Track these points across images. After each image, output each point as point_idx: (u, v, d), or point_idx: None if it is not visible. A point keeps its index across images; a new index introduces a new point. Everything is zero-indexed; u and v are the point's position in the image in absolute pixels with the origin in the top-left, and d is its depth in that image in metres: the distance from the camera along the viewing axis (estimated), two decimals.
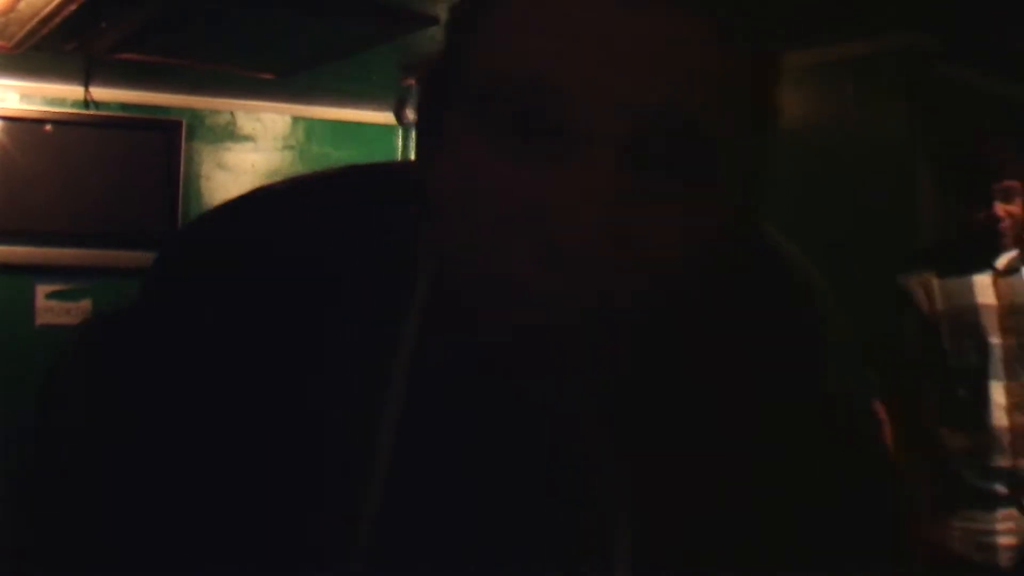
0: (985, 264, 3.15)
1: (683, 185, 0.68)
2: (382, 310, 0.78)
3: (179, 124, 5.66)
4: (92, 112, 5.43)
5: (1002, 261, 3.14)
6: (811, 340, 0.88)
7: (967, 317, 3.12)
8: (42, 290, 5.41)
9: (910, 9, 3.76)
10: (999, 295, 3.14)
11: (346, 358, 0.77)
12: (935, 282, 3.17)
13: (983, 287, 3.14)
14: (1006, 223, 3.08)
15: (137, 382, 0.79)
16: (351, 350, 0.77)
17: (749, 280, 0.84)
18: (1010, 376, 3.06)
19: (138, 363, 0.80)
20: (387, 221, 0.80)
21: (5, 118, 5.30)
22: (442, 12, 3.95)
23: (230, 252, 0.81)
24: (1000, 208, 3.06)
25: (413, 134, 6.64)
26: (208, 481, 0.75)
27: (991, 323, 3.11)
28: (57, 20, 3.96)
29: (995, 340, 3.09)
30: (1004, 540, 3.05)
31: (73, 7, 3.78)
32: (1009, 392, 3.04)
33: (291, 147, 6.07)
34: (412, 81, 5.04)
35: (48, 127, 5.33)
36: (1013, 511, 3.04)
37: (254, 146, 5.99)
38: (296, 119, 6.07)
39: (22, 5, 3.81)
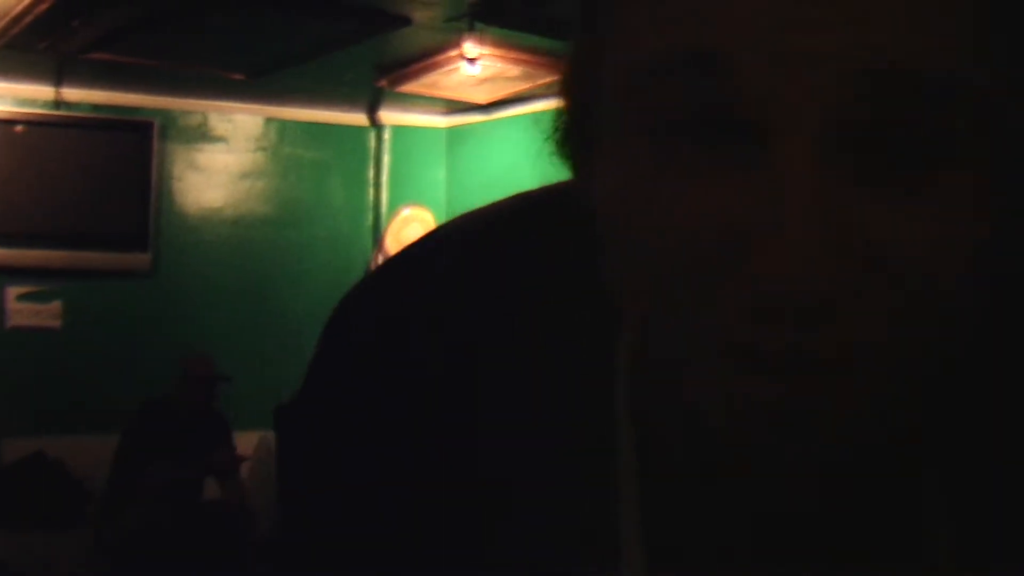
0: None
1: (927, 165, 0.50)
2: (587, 385, 0.65)
3: (151, 125, 5.63)
4: (63, 112, 5.41)
5: None
6: None
7: None
8: (13, 292, 5.38)
9: None
10: None
11: (558, 448, 0.64)
12: None
13: None
14: None
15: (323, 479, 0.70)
16: (562, 436, 0.64)
17: None
18: None
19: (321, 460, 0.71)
20: (574, 270, 0.65)
21: None
22: (414, 13, 3.95)
23: (405, 338, 0.68)
24: None
25: (385, 135, 6.60)
26: None
27: None
28: (28, 19, 3.94)
29: None
30: None
31: (44, 6, 3.76)
32: None
33: (264, 148, 6.06)
34: (384, 82, 5.04)
35: (19, 127, 5.30)
36: None
37: (227, 147, 5.97)
38: (269, 120, 6.06)
39: None
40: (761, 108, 0.49)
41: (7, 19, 3.98)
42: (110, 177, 5.51)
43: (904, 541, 0.62)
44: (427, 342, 0.67)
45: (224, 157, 5.96)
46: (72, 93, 5.39)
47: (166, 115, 5.76)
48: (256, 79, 5.08)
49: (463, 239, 0.71)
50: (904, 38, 0.48)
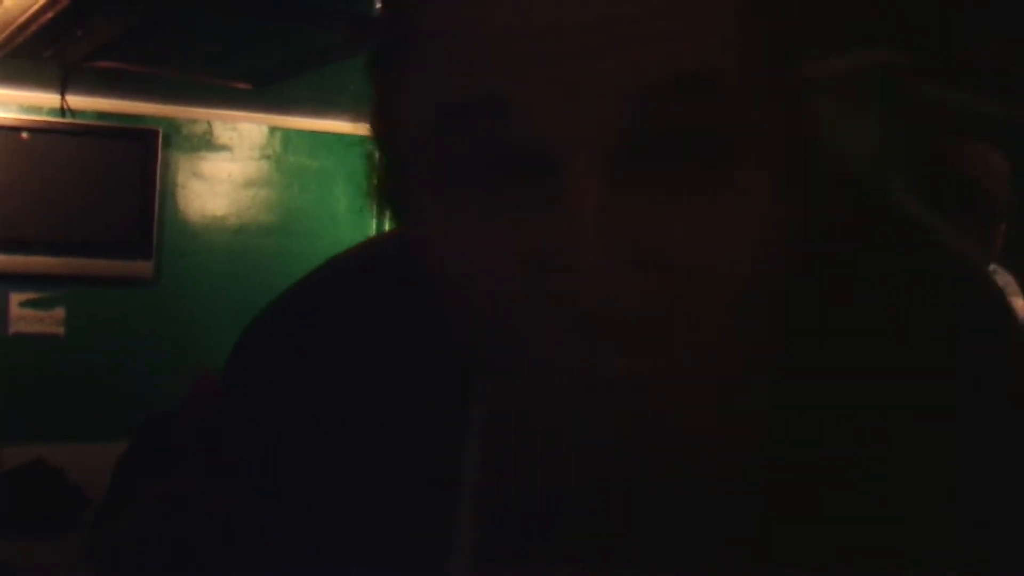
0: None
1: (705, 166, 0.52)
2: (445, 396, 0.68)
3: (156, 133, 5.64)
4: (68, 120, 5.41)
5: None
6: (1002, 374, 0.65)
7: None
8: (16, 298, 5.38)
9: (886, 26, 3.79)
10: None
11: (416, 454, 0.68)
12: None
13: None
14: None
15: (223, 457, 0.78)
16: (419, 445, 0.68)
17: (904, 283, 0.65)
18: None
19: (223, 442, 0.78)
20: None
21: None
22: None
23: (294, 354, 0.73)
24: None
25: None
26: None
27: None
28: (34, 28, 3.95)
29: None
30: None
31: (50, 15, 3.77)
32: None
33: (268, 157, 6.06)
34: None
35: (24, 135, 5.31)
36: None
37: (231, 155, 5.98)
38: (273, 129, 6.06)
39: None
40: (545, 141, 0.50)
41: (12, 27, 3.99)
42: (114, 184, 5.51)
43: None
44: (301, 377, 0.72)
45: (228, 166, 5.97)
46: (77, 101, 5.39)
47: (170, 123, 5.77)
48: (261, 88, 5.09)
49: (339, 283, 0.76)
50: (669, 52, 0.50)
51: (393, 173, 0.62)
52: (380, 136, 0.64)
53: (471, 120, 0.52)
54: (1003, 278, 2.85)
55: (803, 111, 0.59)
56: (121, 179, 5.54)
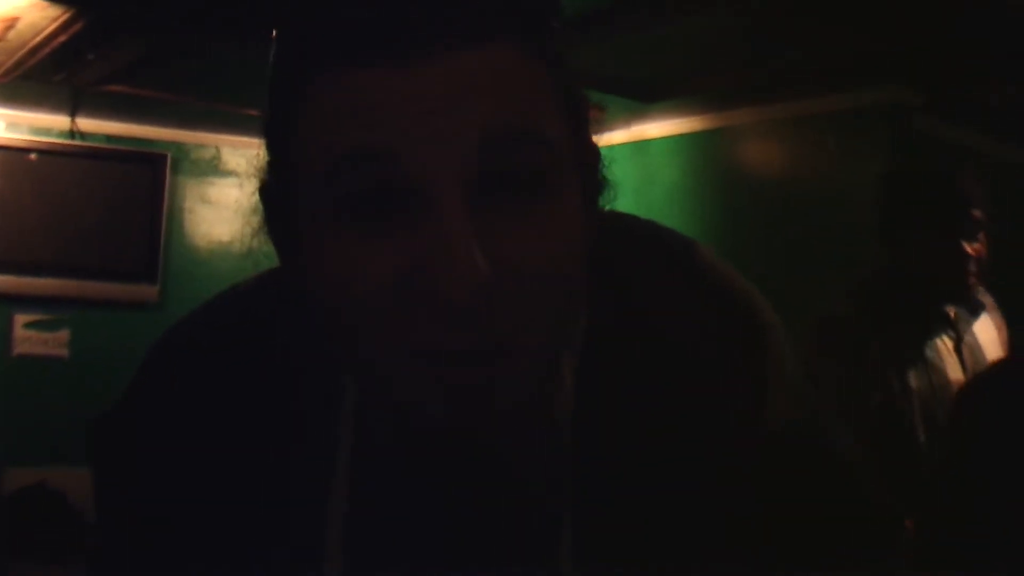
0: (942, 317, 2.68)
1: (531, 196, 0.70)
2: (319, 414, 0.84)
3: (164, 157, 5.66)
4: (78, 143, 5.43)
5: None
6: (748, 372, 0.86)
7: (942, 399, 2.53)
8: (21, 320, 5.39)
9: (892, 63, 3.81)
10: (967, 365, 2.65)
11: (292, 466, 0.83)
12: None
13: (949, 355, 2.65)
14: (973, 263, 2.60)
15: (126, 481, 0.89)
16: (297, 457, 0.83)
17: (676, 306, 0.87)
18: None
19: (123, 467, 0.90)
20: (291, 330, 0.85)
21: None
22: None
23: (188, 375, 0.88)
24: (968, 247, 2.60)
25: None
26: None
27: None
28: (46, 51, 3.98)
29: None
30: None
31: (62, 39, 3.80)
32: None
33: None
34: None
35: (33, 156, 5.33)
36: None
37: (238, 181, 5.99)
38: None
39: (11, 35, 3.82)
40: (419, 177, 0.67)
41: (24, 51, 4.02)
42: (121, 208, 5.53)
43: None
44: (214, 377, 0.86)
45: (235, 191, 5.98)
46: (87, 124, 5.42)
47: (179, 148, 5.79)
48: None
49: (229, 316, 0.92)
50: (505, 113, 0.69)
51: (281, 214, 0.79)
52: (272, 183, 0.80)
53: (357, 165, 0.69)
54: (984, 298, 2.78)
55: (591, 158, 0.80)
56: (129, 203, 5.55)
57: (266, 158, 0.80)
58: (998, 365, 2.14)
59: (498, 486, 0.83)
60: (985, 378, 1.95)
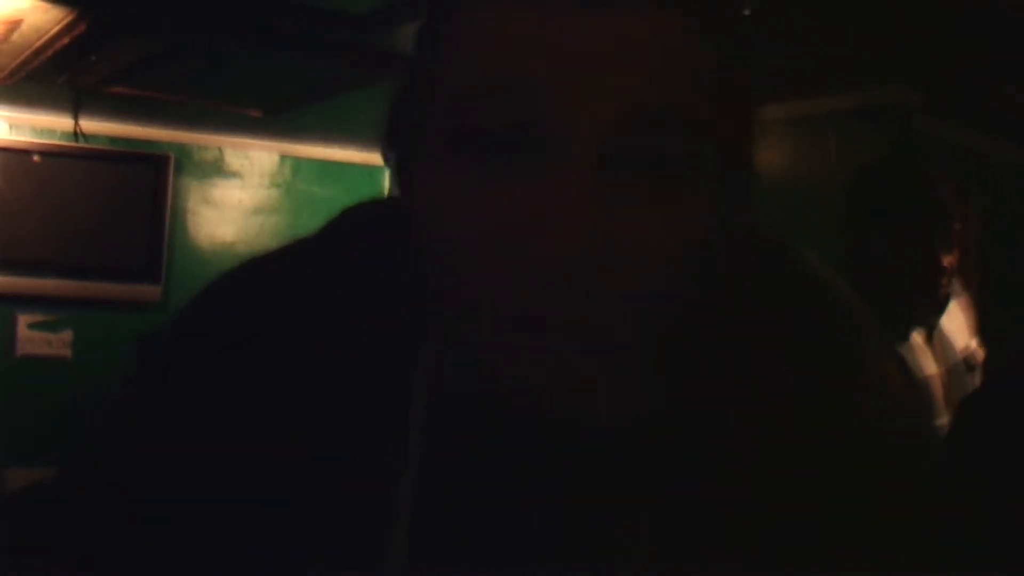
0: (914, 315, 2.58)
1: (668, 180, 0.66)
2: (391, 355, 0.77)
3: (167, 158, 5.67)
4: (81, 144, 5.44)
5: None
6: (837, 362, 0.80)
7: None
8: (24, 320, 5.40)
9: (892, 63, 3.81)
10: (938, 358, 2.59)
11: (360, 410, 0.77)
12: None
13: (922, 350, 2.57)
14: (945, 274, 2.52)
15: (173, 402, 0.82)
16: (364, 402, 0.77)
17: (765, 290, 0.81)
18: None
19: (172, 387, 0.83)
20: (386, 263, 0.79)
21: None
22: None
23: (245, 317, 0.82)
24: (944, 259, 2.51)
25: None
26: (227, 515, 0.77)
27: (939, 400, 2.50)
28: (49, 53, 3.98)
29: (941, 422, 2.38)
30: None
31: (65, 40, 3.81)
32: None
33: (278, 185, 6.09)
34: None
35: (36, 157, 5.34)
36: None
37: (241, 182, 6.01)
38: (284, 157, 6.10)
39: (15, 37, 3.83)
40: (556, 127, 0.64)
41: (28, 52, 4.03)
42: (124, 208, 5.54)
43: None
44: (274, 324, 0.79)
45: (238, 192, 5.99)
46: (90, 125, 5.43)
47: (182, 149, 5.80)
48: (272, 116, 5.12)
49: (313, 248, 0.86)
50: (662, 88, 0.65)
51: (408, 133, 0.74)
52: (401, 108, 0.76)
53: (498, 99, 0.65)
54: (959, 296, 2.70)
55: (743, 149, 0.74)
56: (132, 203, 5.56)
57: (403, 79, 0.76)
58: (995, 372, 2.12)
59: (572, 468, 0.76)
60: (985, 390, 1.93)
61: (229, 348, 0.80)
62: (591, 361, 0.66)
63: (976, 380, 2.58)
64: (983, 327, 2.80)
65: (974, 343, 2.68)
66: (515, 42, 0.65)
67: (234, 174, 5.98)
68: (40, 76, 4.39)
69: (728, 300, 0.78)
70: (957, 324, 2.68)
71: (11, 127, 5.38)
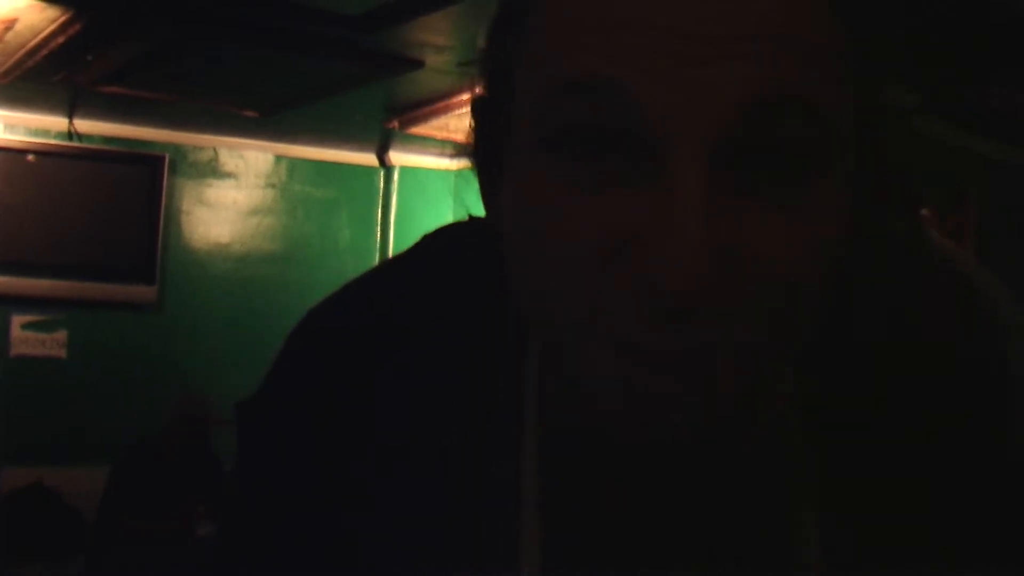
0: None
1: (794, 176, 0.57)
2: (498, 387, 0.71)
3: (162, 159, 5.66)
4: (75, 144, 5.44)
5: None
6: (994, 388, 0.72)
7: None
8: (18, 320, 5.39)
9: (890, 64, 3.80)
10: None
11: (472, 448, 0.71)
12: None
13: None
14: None
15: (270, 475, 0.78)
16: (475, 440, 0.71)
17: (922, 310, 0.73)
18: None
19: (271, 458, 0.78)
20: (481, 282, 0.72)
21: None
22: (427, 56, 3.97)
23: (346, 355, 0.75)
24: None
25: (394, 176, 6.64)
26: None
27: None
28: (44, 52, 3.97)
29: None
30: None
31: (60, 40, 3.79)
32: None
33: (273, 185, 6.08)
34: (395, 124, 5.06)
35: (31, 157, 5.33)
36: None
37: (236, 183, 5.99)
38: (279, 157, 6.08)
39: (9, 36, 3.82)
40: (657, 129, 0.55)
41: (23, 52, 4.01)
42: (119, 209, 5.53)
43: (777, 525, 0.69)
44: (371, 357, 0.74)
45: (233, 193, 5.98)
46: (84, 125, 5.42)
47: (177, 149, 5.79)
48: (268, 116, 5.11)
49: (404, 271, 0.80)
50: (780, 73, 0.55)
51: (492, 146, 0.66)
52: (485, 109, 0.68)
53: (591, 98, 0.56)
54: None
55: (877, 137, 0.64)
56: (126, 204, 5.55)
57: (486, 74, 0.68)
58: None
59: (696, 494, 0.69)
60: None
61: (327, 405, 0.74)
62: (709, 397, 0.58)
63: None
64: None
65: None
66: (609, 32, 0.56)
67: (229, 174, 5.97)
68: (35, 76, 4.38)
69: (868, 317, 0.70)
70: None
71: (6, 127, 5.37)
